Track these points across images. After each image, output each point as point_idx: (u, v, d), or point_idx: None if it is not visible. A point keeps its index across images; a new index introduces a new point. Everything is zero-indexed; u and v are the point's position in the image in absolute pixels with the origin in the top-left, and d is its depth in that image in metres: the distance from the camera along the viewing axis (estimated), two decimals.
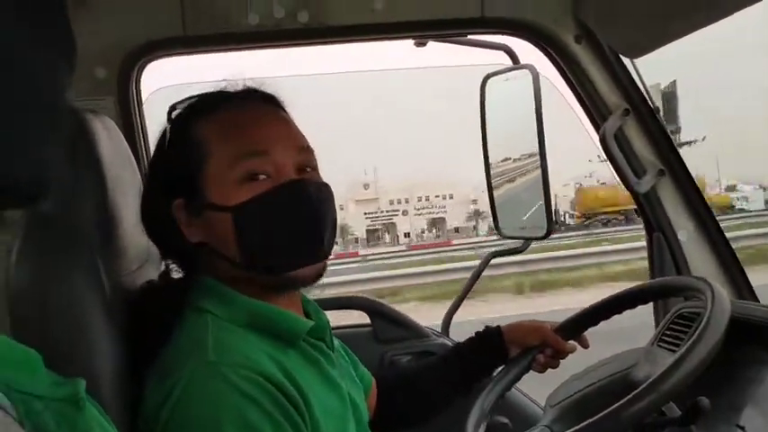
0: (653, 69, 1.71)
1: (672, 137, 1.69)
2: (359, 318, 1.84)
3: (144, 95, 1.64)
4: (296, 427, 0.97)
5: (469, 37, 1.83)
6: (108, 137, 1.13)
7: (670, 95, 1.87)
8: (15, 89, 0.42)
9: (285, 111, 1.14)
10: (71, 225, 1.01)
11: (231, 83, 1.13)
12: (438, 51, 1.95)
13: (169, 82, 1.82)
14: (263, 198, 1.03)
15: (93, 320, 0.98)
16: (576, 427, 1.10)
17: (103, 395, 0.95)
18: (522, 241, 1.98)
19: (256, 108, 1.11)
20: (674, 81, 2.09)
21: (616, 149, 1.66)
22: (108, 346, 0.99)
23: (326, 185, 1.11)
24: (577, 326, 1.45)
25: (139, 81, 1.62)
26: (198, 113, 1.10)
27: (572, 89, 1.72)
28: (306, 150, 1.10)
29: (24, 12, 0.43)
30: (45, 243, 0.99)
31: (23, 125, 0.43)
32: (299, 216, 1.05)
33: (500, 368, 1.45)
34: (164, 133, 1.12)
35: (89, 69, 1.54)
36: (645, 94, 1.65)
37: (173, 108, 1.13)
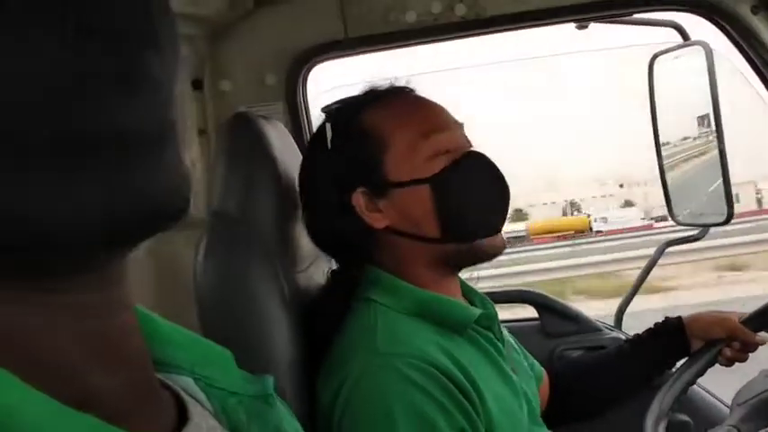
0: None
1: None
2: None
3: (310, 98, 1.71)
4: (468, 416, 0.98)
5: (636, 16, 1.75)
6: (280, 140, 1.18)
7: None
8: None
9: None
10: (251, 225, 1.07)
11: (379, 82, 1.17)
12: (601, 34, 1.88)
13: (330, 84, 1.88)
14: (455, 167, 1.08)
15: (273, 318, 1.03)
16: None
17: (284, 390, 0.99)
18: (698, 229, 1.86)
19: (416, 96, 1.16)
20: None
21: None
22: (287, 343, 1.03)
23: None
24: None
25: (306, 85, 1.68)
26: (364, 106, 1.14)
27: (751, 65, 1.59)
28: (463, 127, 1.15)
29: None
30: (228, 241, 1.05)
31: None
32: (491, 182, 1.12)
33: (682, 362, 1.38)
34: (320, 131, 1.15)
35: (259, 77, 1.62)
36: None
37: (329, 109, 1.17)
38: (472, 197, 1.10)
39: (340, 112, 1.16)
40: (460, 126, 1.14)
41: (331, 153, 1.13)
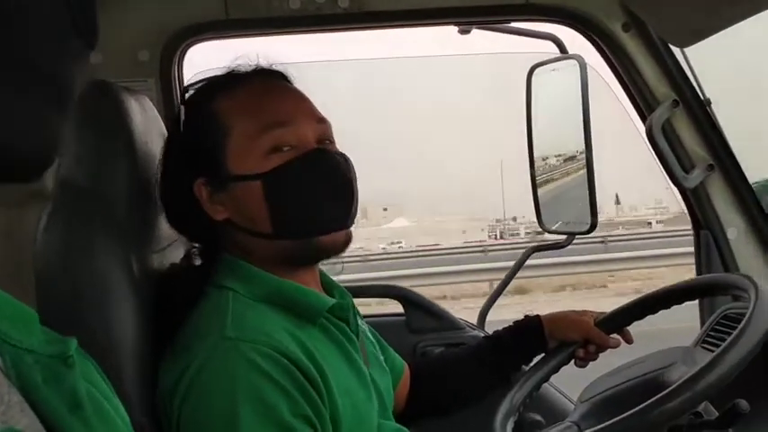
0: None
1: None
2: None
3: (186, 79, 1.66)
4: (313, 404, 0.97)
5: (516, 25, 1.80)
6: (142, 114, 1.13)
7: None
8: (18, 60, 0.43)
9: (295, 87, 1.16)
10: (100, 198, 1.03)
11: (244, 65, 1.13)
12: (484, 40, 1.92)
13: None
14: (291, 164, 1.05)
15: (116, 293, 0.99)
16: (603, 425, 1.06)
17: (123, 366, 0.96)
18: (564, 237, 1.93)
19: (272, 83, 1.13)
20: None
21: (663, 142, 1.60)
22: (130, 320, 0.99)
23: (348, 157, 1.12)
24: (621, 319, 1.40)
25: (182, 64, 1.64)
26: (214, 91, 1.11)
27: (619, 79, 1.67)
28: (323, 122, 1.11)
29: None
30: (73, 214, 1.00)
31: (25, 98, 0.44)
32: (327, 182, 1.08)
33: (536, 359, 1.42)
34: (177, 114, 1.12)
35: (132, 51, 1.56)
36: (695, 84, 1.59)
37: (186, 89, 1.14)
38: (306, 196, 1.06)
39: (196, 92, 1.13)
40: (318, 121, 1.10)
41: (182, 136, 1.10)
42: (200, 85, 1.13)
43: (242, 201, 1.06)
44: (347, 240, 1.10)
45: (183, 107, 1.10)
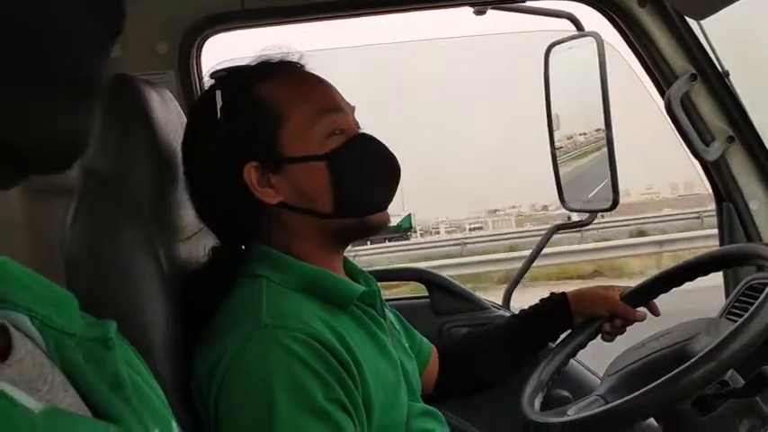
0: None
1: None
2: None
3: (205, 71, 1.67)
4: (347, 390, 0.99)
5: (532, 4, 1.79)
6: (163, 106, 1.15)
7: None
8: (46, 56, 0.43)
9: None
10: (124, 189, 1.04)
11: (271, 54, 1.16)
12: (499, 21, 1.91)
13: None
14: (351, 145, 1.10)
15: (144, 280, 1.00)
16: (628, 397, 1.07)
17: (155, 355, 0.97)
18: (586, 215, 1.93)
19: (307, 72, 1.16)
20: None
21: (683, 115, 1.59)
22: (160, 306, 1.01)
23: None
24: (647, 293, 1.41)
25: (200, 55, 1.65)
26: (257, 78, 1.12)
27: (636, 55, 1.66)
28: (354, 110, 1.16)
29: None
30: (98, 206, 1.02)
31: (53, 92, 0.44)
32: (383, 162, 1.14)
33: (563, 336, 1.43)
34: (208, 97, 1.12)
35: (151, 44, 1.58)
36: (713, 57, 1.58)
37: (220, 77, 1.13)
38: (366, 175, 1.11)
39: (232, 79, 1.13)
40: (352, 108, 1.15)
41: (220, 122, 1.09)
42: (228, 72, 1.14)
43: (302, 181, 1.09)
44: (389, 219, 1.16)
45: (218, 92, 1.10)
